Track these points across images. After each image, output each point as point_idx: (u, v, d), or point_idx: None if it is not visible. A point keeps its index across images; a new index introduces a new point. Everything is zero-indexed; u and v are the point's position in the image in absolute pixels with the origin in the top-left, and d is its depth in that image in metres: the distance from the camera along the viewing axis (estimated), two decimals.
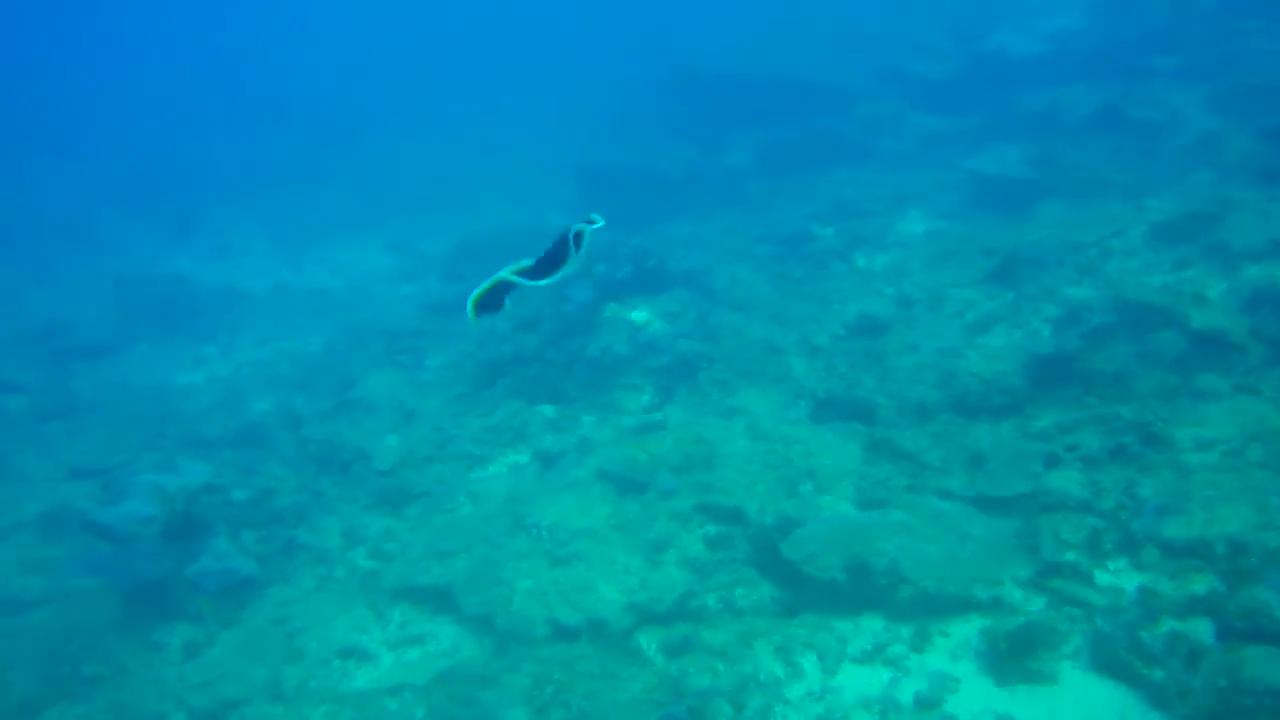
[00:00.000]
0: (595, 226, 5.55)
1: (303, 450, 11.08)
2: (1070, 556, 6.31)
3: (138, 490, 9.32)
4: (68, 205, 21.75)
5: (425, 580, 7.83)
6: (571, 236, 5.50)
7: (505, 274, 5.53)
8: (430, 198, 22.48)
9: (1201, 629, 5.43)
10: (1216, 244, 10.25)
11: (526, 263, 5.63)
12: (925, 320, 10.67)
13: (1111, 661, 5.57)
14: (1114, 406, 7.69)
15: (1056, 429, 7.72)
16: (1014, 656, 5.67)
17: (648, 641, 6.75)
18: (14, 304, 17.33)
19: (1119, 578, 6.17)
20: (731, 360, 10.68)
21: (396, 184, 22.99)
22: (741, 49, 20.45)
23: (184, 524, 8.98)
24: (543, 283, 5.52)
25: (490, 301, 5.53)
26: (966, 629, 6.05)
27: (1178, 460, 6.94)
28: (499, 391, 11.07)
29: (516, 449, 9.97)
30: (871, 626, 6.21)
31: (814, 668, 6.03)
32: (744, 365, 10.61)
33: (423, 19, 34.61)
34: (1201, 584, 5.84)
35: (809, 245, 13.94)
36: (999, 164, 14.02)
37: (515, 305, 5.65)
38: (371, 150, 25.08)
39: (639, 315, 11.04)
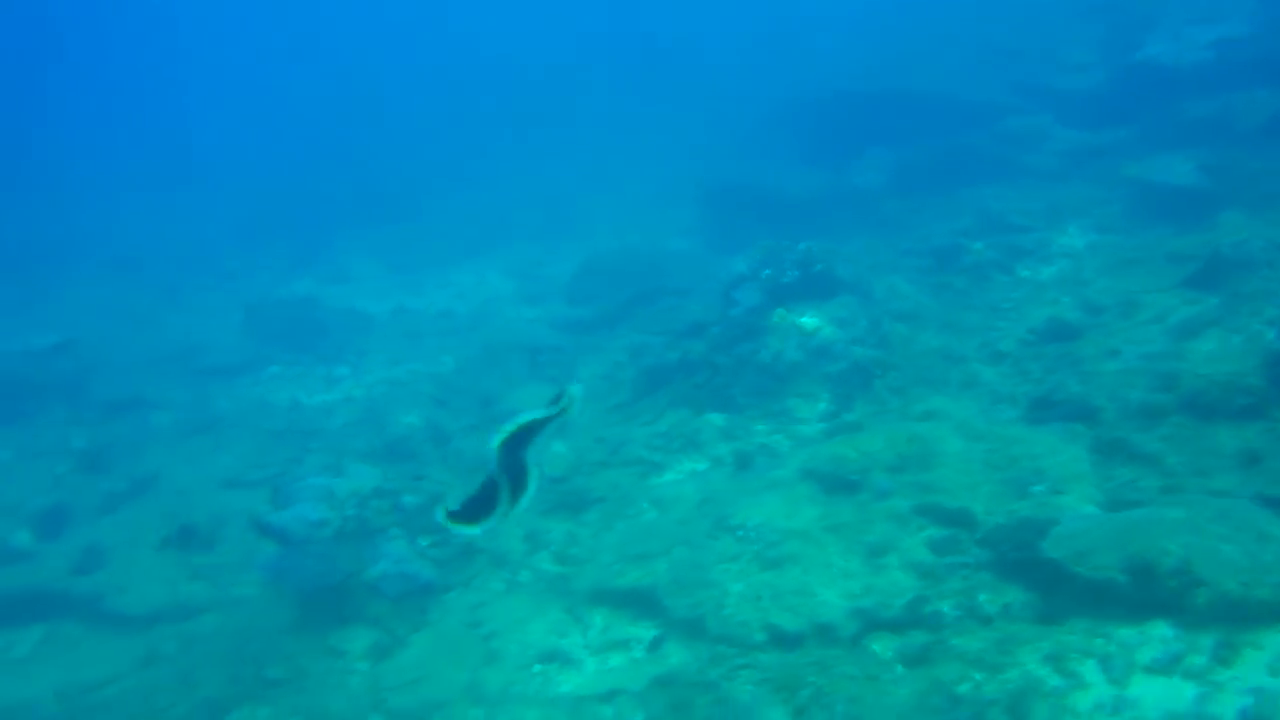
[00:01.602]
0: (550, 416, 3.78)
1: (459, 462, 10.78)
2: None
3: (307, 494, 9.07)
4: (192, 236, 22.16)
5: (623, 583, 7.36)
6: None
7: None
8: (547, 224, 22.42)
9: None
10: None
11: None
12: (1120, 326, 9.99)
13: None
14: None
15: None
16: None
17: (881, 649, 6.17)
18: (151, 328, 17.53)
19: None
20: (907, 368, 10.12)
21: (512, 211, 22.98)
22: (870, 66, 20.02)
23: (357, 528, 8.67)
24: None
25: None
26: None
27: None
28: (661, 400, 10.64)
29: (690, 456, 9.50)
30: (1160, 634, 5.54)
31: (1098, 678, 5.38)
32: (922, 373, 10.05)
33: (531, 45, 34.98)
34: None
35: (963, 258, 13.32)
36: (1167, 174, 13.29)
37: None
38: (485, 178, 25.19)
39: (808, 321, 10.54)
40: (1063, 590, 6.00)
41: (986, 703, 5.30)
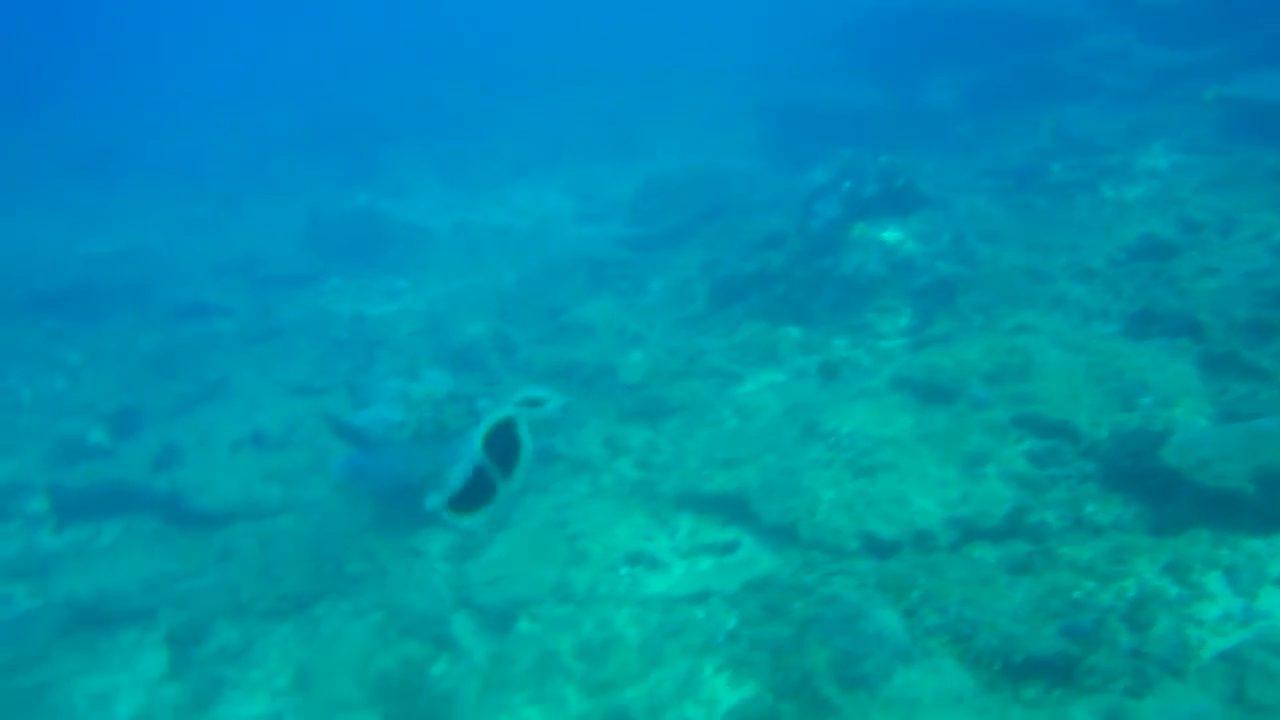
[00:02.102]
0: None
1: (527, 371, 10.68)
2: None
3: (384, 396, 9.00)
4: (250, 148, 22.06)
5: (711, 488, 7.24)
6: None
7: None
8: (605, 144, 22.11)
9: None
10: None
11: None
12: (1218, 244, 9.60)
13: None
14: None
15: None
16: None
17: (984, 555, 6.01)
18: (214, 237, 17.53)
19: None
20: (992, 284, 9.81)
21: (569, 132, 22.67)
22: None
23: (434, 430, 8.60)
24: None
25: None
26: None
27: None
28: (737, 313, 10.44)
29: (769, 368, 9.30)
30: None
31: (1223, 589, 5.19)
32: (1007, 290, 9.73)
33: None
34: None
35: (1043, 178, 12.90)
36: (1266, 90, 12.69)
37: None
38: (542, 97, 24.83)
39: (890, 235, 10.24)
40: (1179, 501, 5.79)
41: (1105, 610, 5.13)
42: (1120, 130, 14.08)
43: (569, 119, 23.44)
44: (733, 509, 7.05)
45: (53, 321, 14.09)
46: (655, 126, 22.48)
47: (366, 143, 22.01)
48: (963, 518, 6.34)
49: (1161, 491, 5.91)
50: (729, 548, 6.81)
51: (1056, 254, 10.36)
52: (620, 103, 24.58)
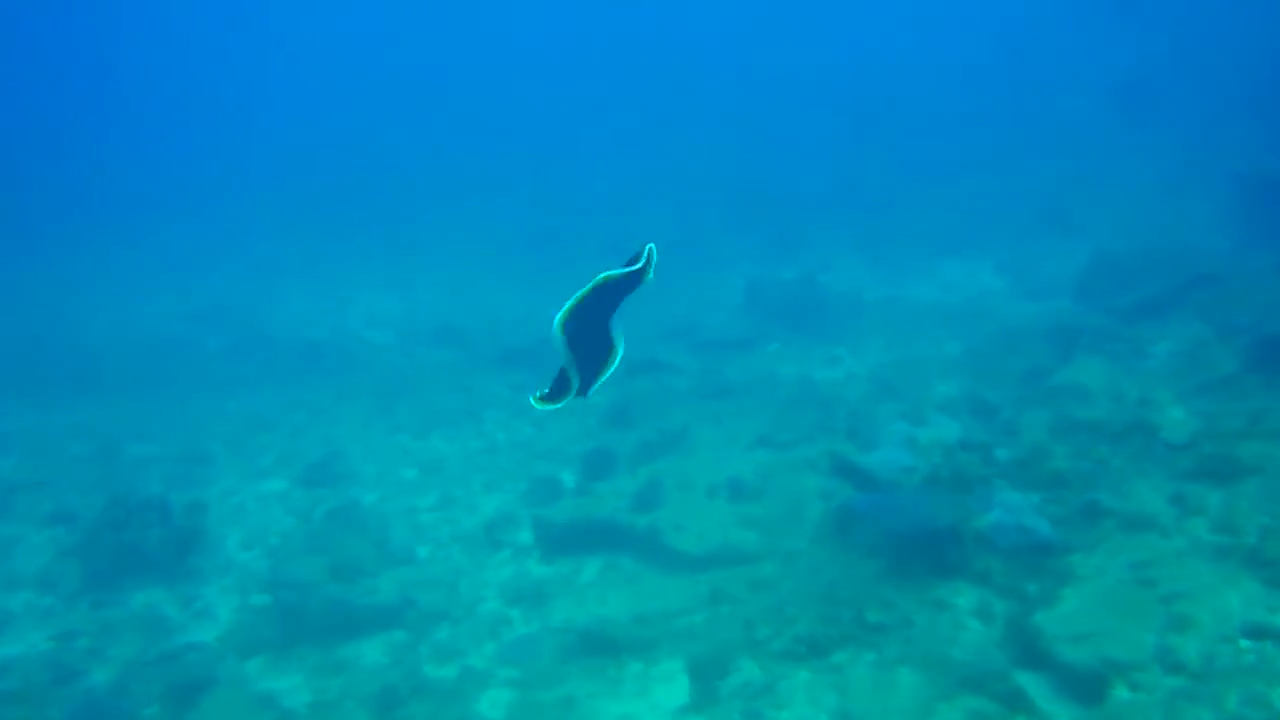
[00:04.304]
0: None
1: (1017, 426, 9.71)
2: None
3: (890, 439, 8.44)
4: (677, 227, 23.11)
5: None
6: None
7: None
8: (1035, 221, 20.89)
9: None
10: None
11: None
12: None
13: None
14: None
15: None
16: None
17: None
18: (652, 304, 18.21)
19: None
20: None
21: (998, 209, 21.70)
22: None
23: (949, 476, 7.88)
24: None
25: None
26: None
27: None
28: None
29: None
30: None
31: None
32: None
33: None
34: None
35: None
36: None
37: None
38: (967, 177, 24.13)
39: None
40: None
41: None
42: None
43: (997, 198, 22.48)
44: None
45: (519, 375, 15.02)
46: (1091, 201, 20.95)
47: (790, 219, 22.28)
48: None
49: None
50: None
51: None
52: (1040, 180, 23.31)
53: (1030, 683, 5.93)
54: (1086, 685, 5.66)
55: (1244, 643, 5.58)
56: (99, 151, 38.87)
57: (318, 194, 31.59)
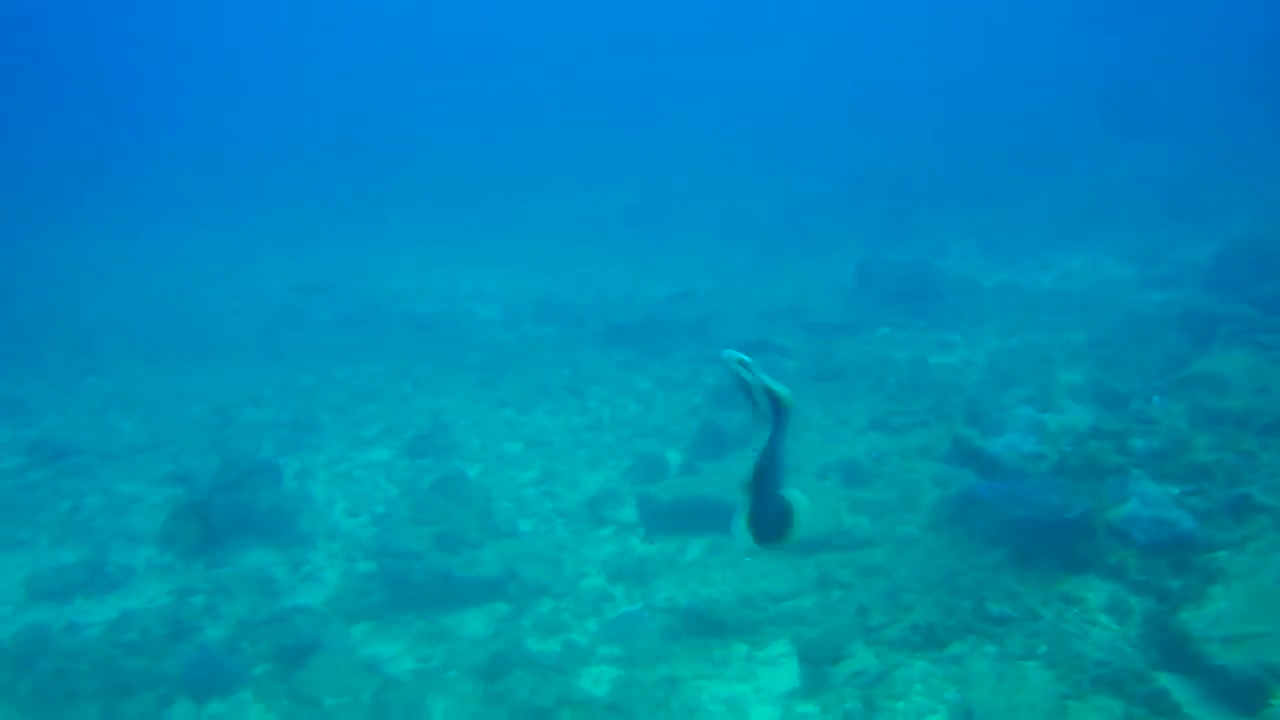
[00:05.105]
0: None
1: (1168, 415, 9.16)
2: None
3: (1015, 424, 8.03)
4: (787, 210, 22.78)
5: None
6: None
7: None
8: (1163, 208, 19.98)
9: None
10: None
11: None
12: None
13: None
14: None
15: None
16: None
17: None
18: (759, 286, 17.99)
19: None
20: None
21: (1121, 196, 20.79)
22: None
23: (1081, 465, 7.43)
24: None
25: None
26: None
27: None
28: None
29: None
30: None
31: None
32: None
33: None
34: None
35: None
36: None
37: None
38: (1080, 163, 23.19)
39: None
40: None
41: None
42: None
43: (1119, 184, 21.51)
44: None
45: (623, 353, 14.90)
46: (1228, 186, 19.88)
47: (903, 206, 21.73)
48: None
49: None
50: None
51: None
52: (1172, 166, 22.25)
53: (1175, 686, 5.52)
54: (1243, 693, 5.23)
55: None
56: (214, 134, 40.35)
57: (424, 175, 32.12)
